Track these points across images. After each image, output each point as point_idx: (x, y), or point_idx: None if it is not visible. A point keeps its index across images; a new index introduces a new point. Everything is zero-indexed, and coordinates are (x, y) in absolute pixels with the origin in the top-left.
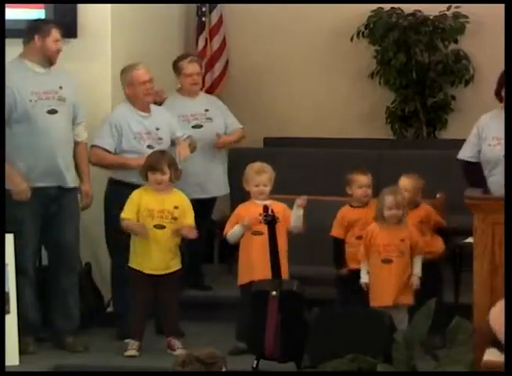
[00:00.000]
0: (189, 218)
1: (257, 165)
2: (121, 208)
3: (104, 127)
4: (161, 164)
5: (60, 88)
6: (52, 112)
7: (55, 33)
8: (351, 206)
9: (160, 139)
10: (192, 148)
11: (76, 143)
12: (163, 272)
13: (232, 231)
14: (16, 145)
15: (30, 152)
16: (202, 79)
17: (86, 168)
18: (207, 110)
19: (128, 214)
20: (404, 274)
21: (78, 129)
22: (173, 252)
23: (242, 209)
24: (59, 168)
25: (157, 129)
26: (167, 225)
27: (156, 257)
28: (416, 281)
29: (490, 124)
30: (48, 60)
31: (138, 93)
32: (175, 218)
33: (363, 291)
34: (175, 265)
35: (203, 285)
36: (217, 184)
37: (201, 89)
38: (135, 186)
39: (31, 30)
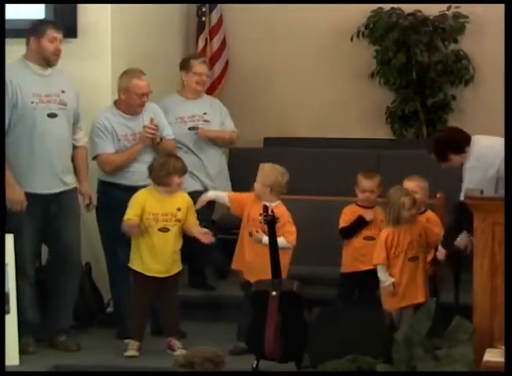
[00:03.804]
0: (191, 218)
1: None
2: (112, 209)
3: (96, 136)
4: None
5: (62, 92)
6: (52, 116)
7: (50, 33)
8: (359, 205)
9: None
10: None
11: (75, 147)
12: (166, 275)
13: (217, 193)
14: (15, 146)
15: (29, 154)
16: None
17: (84, 171)
18: (205, 113)
19: (130, 215)
20: (426, 269)
21: (79, 134)
22: (176, 254)
23: (248, 198)
24: (58, 172)
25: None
26: (171, 228)
27: (160, 260)
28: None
29: None
30: (46, 61)
31: (132, 102)
32: (179, 220)
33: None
34: (177, 267)
35: (206, 285)
36: (214, 182)
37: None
38: (120, 186)
39: (28, 31)
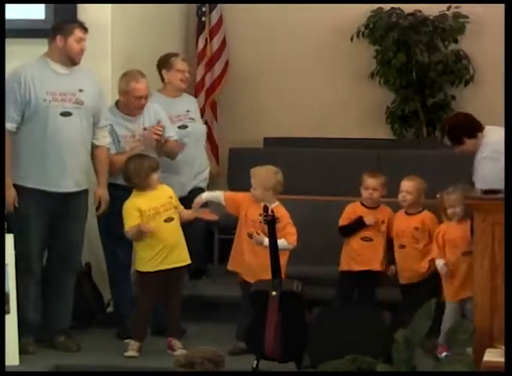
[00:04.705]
0: (179, 204)
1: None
2: (112, 209)
3: None
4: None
5: (80, 90)
6: (66, 114)
7: (78, 32)
8: (362, 205)
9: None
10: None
11: (95, 147)
12: (180, 265)
13: (212, 193)
14: (25, 143)
15: (40, 152)
16: (202, 79)
17: (103, 172)
18: (188, 111)
19: (131, 223)
20: None
21: (100, 133)
22: (184, 241)
23: (244, 197)
24: (69, 171)
25: (145, 130)
26: (174, 215)
27: (175, 250)
28: None
29: None
30: (71, 60)
31: (130, 104)
32: (176, 207)
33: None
34: (188, 257)
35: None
36: (200, 178)
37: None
38: (121, 187)
39: (54, 30)
